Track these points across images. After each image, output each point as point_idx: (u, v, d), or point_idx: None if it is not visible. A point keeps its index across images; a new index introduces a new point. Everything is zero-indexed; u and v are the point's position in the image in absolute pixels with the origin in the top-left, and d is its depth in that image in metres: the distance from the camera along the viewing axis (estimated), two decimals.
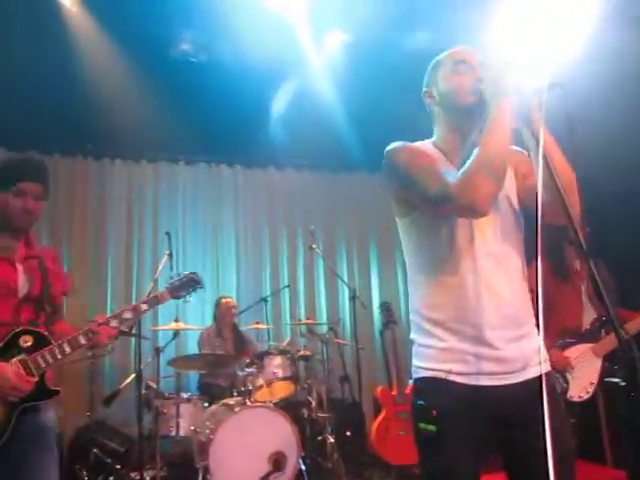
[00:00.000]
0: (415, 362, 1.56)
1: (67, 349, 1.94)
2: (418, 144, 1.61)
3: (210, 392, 4.34)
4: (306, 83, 4.86)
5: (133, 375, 3.94)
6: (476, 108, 1.49)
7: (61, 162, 5.35)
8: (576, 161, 1.53)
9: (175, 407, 3.89)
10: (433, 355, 1.50)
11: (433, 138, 1.65)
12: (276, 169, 6.14)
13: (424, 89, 1.64)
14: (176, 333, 4.31)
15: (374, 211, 6.17)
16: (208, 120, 4.85)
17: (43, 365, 1.89)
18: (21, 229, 2.04)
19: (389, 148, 1.56)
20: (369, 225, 6.25)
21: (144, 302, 2.10)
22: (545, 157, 1.31)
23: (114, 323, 2.03)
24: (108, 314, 4.97)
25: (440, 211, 1.49)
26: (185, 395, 4.09)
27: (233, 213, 5.85)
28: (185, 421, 3.90)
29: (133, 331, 3.97)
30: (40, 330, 1.95)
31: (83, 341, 1.98)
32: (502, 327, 1.47)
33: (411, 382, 1.58)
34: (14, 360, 1.86)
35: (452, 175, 1.44)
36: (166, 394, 4.05)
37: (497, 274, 1.50)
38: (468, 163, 1.41)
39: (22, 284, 1.98)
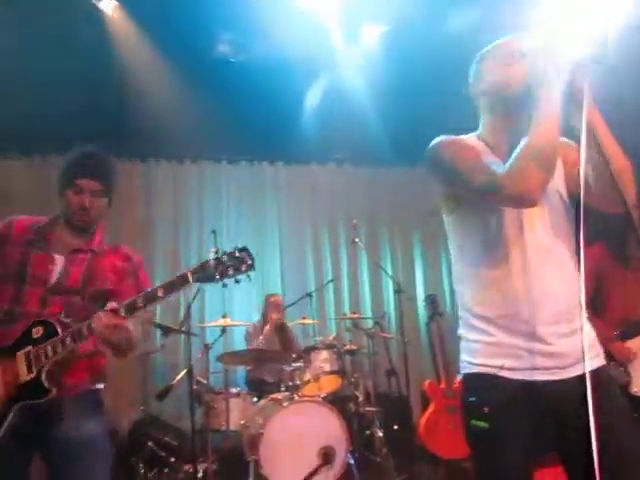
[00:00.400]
0: (464, 357, 1.53)
1: (68, 342, 1.78)
2: (462, 137, 1.59)
3: (258, 387, 4.40)
4: (344, 78, 4.86)
5: (184, 371, 4.03)
6: (523, 100, 1.46)
7: None
8: (627, 144, 1.47)
9: (225, 402, 3.97)
10: (483, 350, 1.47)
11: (478, 131, 1.62)
12: (317, 165, 6.15)
13: (470, 81, 1.62)
14: (223, 329, 4.38)
15: (417, 204, 6.09)
16: (249, 119, 4.89)
17: (43, 359, 1.76)
18: (81, 227, 1.99)
19: (432, 143, 1.54)
20: (412, 218, 6.19)
21: (160, 288, 1.83)
22: (597, 142, 1.28)
23: (122, 312, 1.79)
24: (157, 313, 5.06)
25: (487, 200, 1.46)
26: (234, 390, 4.16)
27: (276, 210, 5.90)
28: (235, 416, 3.97)
29: (183, 328, 4.06)
30: (53, 321, 1.82)
31: (85, 331, 1.79)
32: (554, 322, 1.43)
33: (459, 377, 1.55)
34: (20, 353, 1.77)
35: (498, 166, 1.41)
36: (216, 389, 4.13)
37: (548, 267, 1.47)
38: (517, 152, 1.38)
39: (54, 275, 1.90)
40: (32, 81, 4.10)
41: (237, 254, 1.82)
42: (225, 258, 1.81)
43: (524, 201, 1.39)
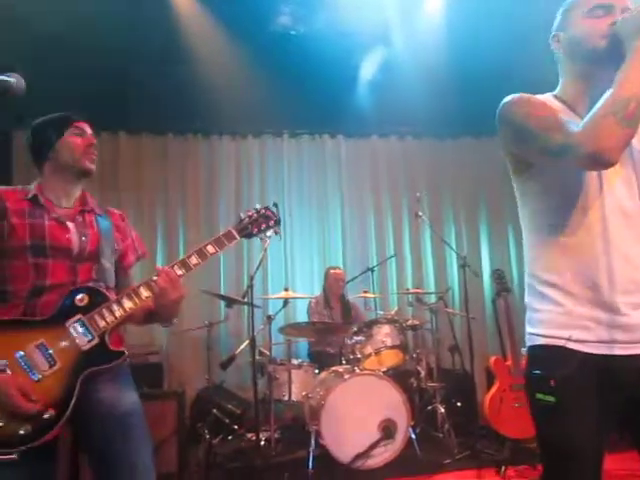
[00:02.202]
0: (529, 329, 1.45)
1: (127, 304, 1.75)
2: (537, 95, 1.48)
3: (319, 359, 4.43)
4: (406, 49, 4.72)
5: (247, 342, 4.10)
6: (607, 55, 1.34)
7: (173, 141, 5.62)
8: None
9: (287, 373, 4.02)
10: (550, 320, 1.39)
11: (556, 90, 1.51)
12: (379, 138, 6.04)
13: (552, 33, 1.50)
14: (286, 302, 4.42)
15: (481, 176, 5.93)
16: (309, 92, 4.85)
17: (102, 324, 1.71)
18: (87, 170, 1.88)
19: (505, 100, 1.44)
20: (477, 190, 6.00)
21: (209, 244, 1.88)
22: None
23: (179, 270, 1.81)
24: (221, 286, 5.18)
25: (562, 164, 1.36)
26: (296, 362, 4.20)
27: (337, 183, 5.86)
28: (296, 387, 4.02)
29: (246, 299, 4.13)
30: (94, 286, 1.78)
31: (145, 293, 1.77)
32: (630, 291, 1.33)
33: (524, 351, 1.47)
34: (70, 321, 1.69)
35: (576, 125, 1.30)
36: (278, 360, 4.19)
37: (627, 233, 1.36)
38: (597, 106, 1.27)
39: (75, 243, 1.80)
40: (98, 56, 4.19)
41: (262, 211, 2.04)
42: (255, 215, 2.02)
43: (601, 161, 1.27)
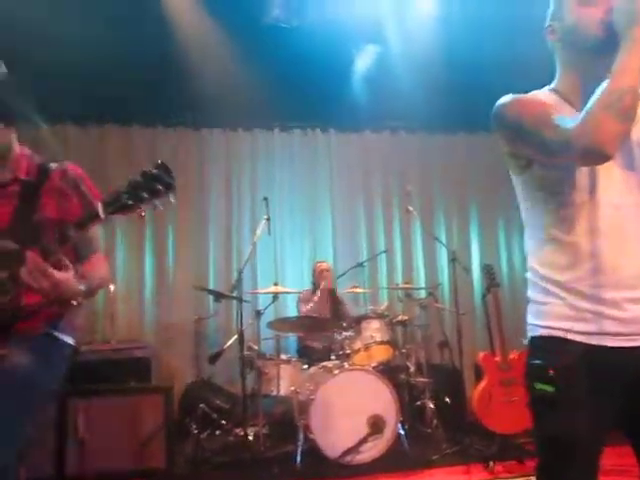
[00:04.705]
0: (530, 320, 1.46)
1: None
2: (532, 93, 1.47)
3: (309, 355, 4.42)
4: (399, 43, 4.70)
5: (235, 336, 4.08)
6: (604, 45, 1.32)
7: (163, 133, 5.56)
8: None
9: (276, 368, 4.01)
10: (551, 312, 1.39)
11: (553, 83, 1.49)
12: (371, 132, 6.01)
13: (546, 24, 1.47)
14: (275, 296, 4.40)
15: (473, 172, 5.93)
16: (301, 86, 4.81)
17: None
18: None
19: (498, 103, 1.42)
20: (468, 186, 5.99)
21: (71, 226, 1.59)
22: None
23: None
24: (210, 281, 5.14)
25: (559, 161, 1.35)
26: (285, 357, 4.19)
27: (328, 177, 5.83)
28: (285, 382, 4.00)
29: (234, 294, 4.10)
30: None
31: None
32: (628, 287, 1.33)
33: (525, 342, 1.47)
34: None
35: (571, 120, 1.28)
36: (267, 355, 4.17)
37: (625, 228, 1.35)
38: (593, 99, 1.24)
39: None
40: (87, 49, 4.13)
41: (153, 171, 1.55)
42: (139, 179, 1.55)
43: (596, 155, 1.25)
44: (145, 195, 1.53)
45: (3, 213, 1.69)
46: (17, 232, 1.66)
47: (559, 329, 1.37)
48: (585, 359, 1.33)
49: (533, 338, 1.44)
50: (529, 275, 1.48)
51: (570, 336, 1.35)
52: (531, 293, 1.47)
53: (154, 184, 1.54)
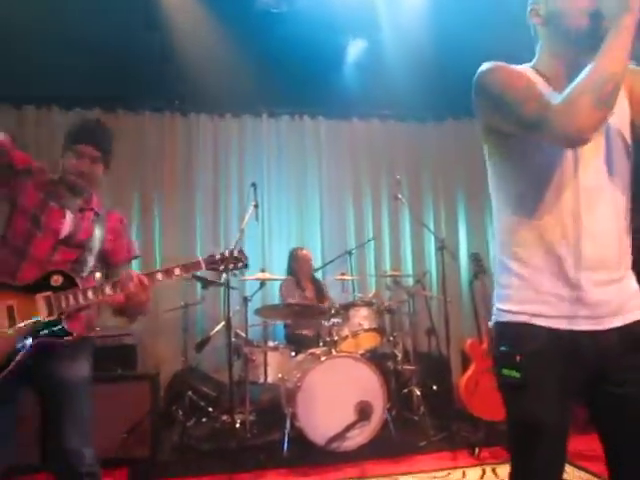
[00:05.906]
0: (496, 304, 1.45)
1: (90, 296, 2.03)
2: (516, 66, 1.43)
3: (296, 342, 4.41)
4: (390, 30, 4.65)
5: (222, 323, 4.06)
6: (589, 33, 1.30)
7: (150, 119, 5.48)
8: None
9: (263, 355, 4.00)
10: (515, 296, 1.39)
11: (532, 62, 1.47)
12: (359, 120, 5.97)
13: (530, 7, 1.44)
14: (262, 283, 4.38)
15: (461, 159, 5.91)
16: (290, 72, 4.76)
17: (64, 305, 1.99)
18: (74, 189, 2.15)
19: (481, 68, 1.38)
20: (456, 174, 5.98)
21: (177, 267, 2.16)
22: None
23: (145, 280, 2.09)
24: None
25: (534, 138, 1.33)
26: (272, 344, 4.18)
27: (317, 165, 5.78)
28: (273, 369, 4.00)
29: (221, 281, 4.07)
30: (72, 274, 2.04)
31: (108, 290, 2.05)
32: (593, 268, 1.33)
33: (490, 324, 1.47)
34: (39, 295, 1.97)
35: (554, 97, 1.26)
36: (254, 342, 4.16)
37: (600, 211, 1.34)
38: (575, 82, 1.23)
39: (66, 228, 2.09)
40: (71, 35, 4.05)
41: (236, 254, 2.33)
42: (227, 255, 2.29)
43: (573, 139, 1.25)
44: (230, 266, 2.33)
45: (85, 228, 2.15)
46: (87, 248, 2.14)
47: (524, 313, 1.37)
48: (550, 343, 1.33)
49: (498, 324, 1.44)
50: (498, 257, 1.47)
51: (534, 320, 1.35)
52: (497, 275, 1.47)
53: (236, 263, 2.38)
